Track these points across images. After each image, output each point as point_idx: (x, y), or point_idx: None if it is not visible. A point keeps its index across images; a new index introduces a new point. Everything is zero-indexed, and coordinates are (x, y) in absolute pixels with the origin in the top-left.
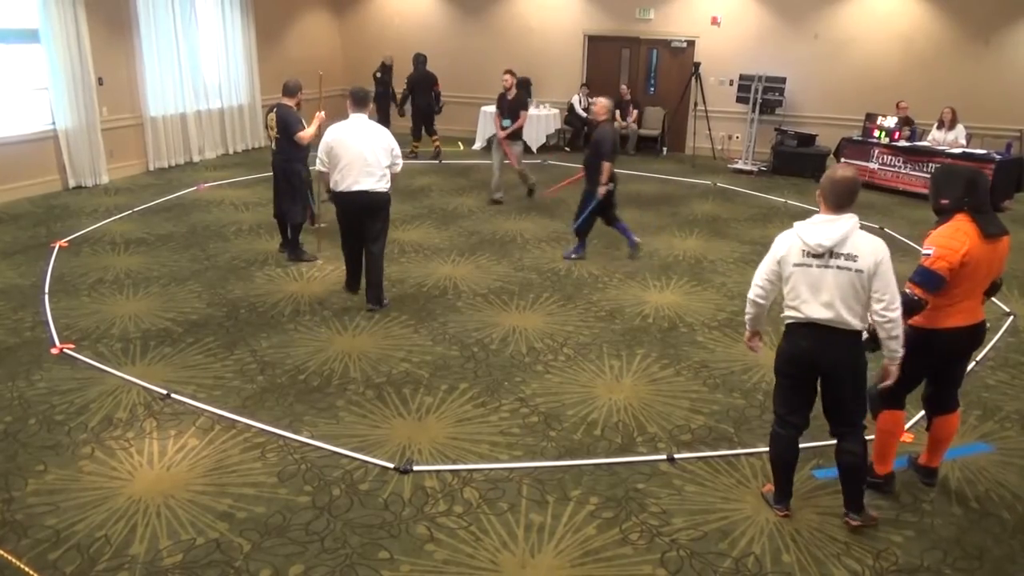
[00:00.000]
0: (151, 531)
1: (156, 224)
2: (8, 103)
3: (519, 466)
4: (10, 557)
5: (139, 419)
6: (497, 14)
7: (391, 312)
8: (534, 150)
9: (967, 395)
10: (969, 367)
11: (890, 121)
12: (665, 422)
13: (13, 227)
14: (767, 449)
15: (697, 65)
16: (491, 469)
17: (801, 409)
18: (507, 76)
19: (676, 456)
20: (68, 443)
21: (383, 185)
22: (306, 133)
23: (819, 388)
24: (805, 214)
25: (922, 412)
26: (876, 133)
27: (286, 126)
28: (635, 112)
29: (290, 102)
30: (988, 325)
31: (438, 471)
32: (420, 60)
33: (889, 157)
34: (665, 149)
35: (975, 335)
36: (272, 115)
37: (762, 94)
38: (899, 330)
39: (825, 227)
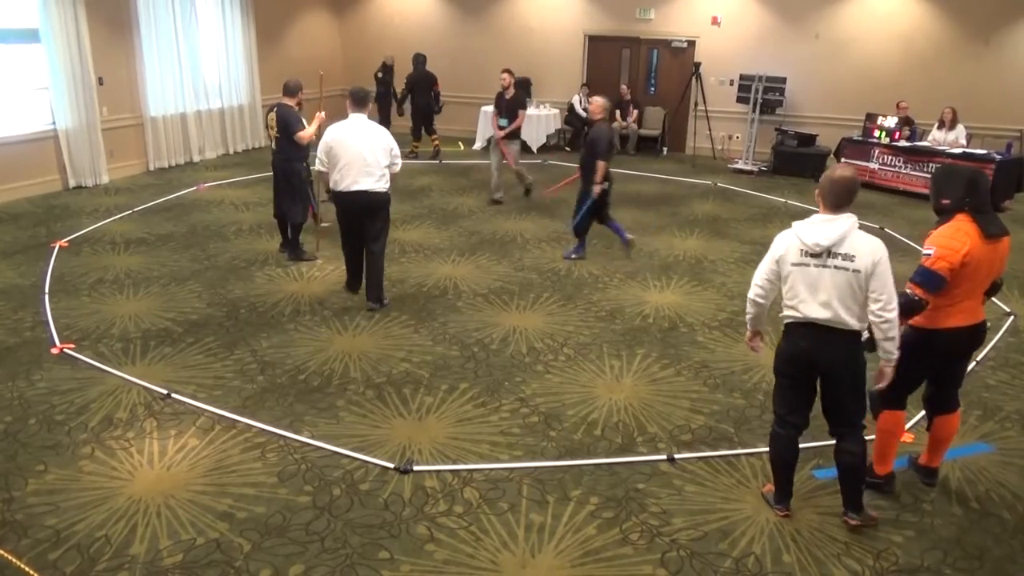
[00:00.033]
0: (151, 531)
1: (156, 224)
2: (8, 103)
3: (519, 466)
4: (10, 557)
5: (139, 419)
6: (497, 14)
7: (391, 312)
8: (534, 150)
9: (967, 395)
10: (969, 367)
11: (890, 121)
12: (665, 422)
13: (13, 227)
14: (767, 449)
15: (697, 65)
16: (491, 469)
17: (800, 409)
18: (505, 75)
19: (676, 456)
20: (68, 443)
21: (382, 185)
22: (306, 133)
23: (818, 388)
24: (805, 214)
25: (922, 412)
26: (876, 133)
27: (286, 126)
28: (635, 112)
29: (291, 102)
30: (988, 325)
31: (438, 471)
32: (419, 60)
33: (889, 157)
34: (665, 149)
35: (976, 335)
36: (272, 115)
37: (762, 94)
38: (895, 331)
39: (823, 227)
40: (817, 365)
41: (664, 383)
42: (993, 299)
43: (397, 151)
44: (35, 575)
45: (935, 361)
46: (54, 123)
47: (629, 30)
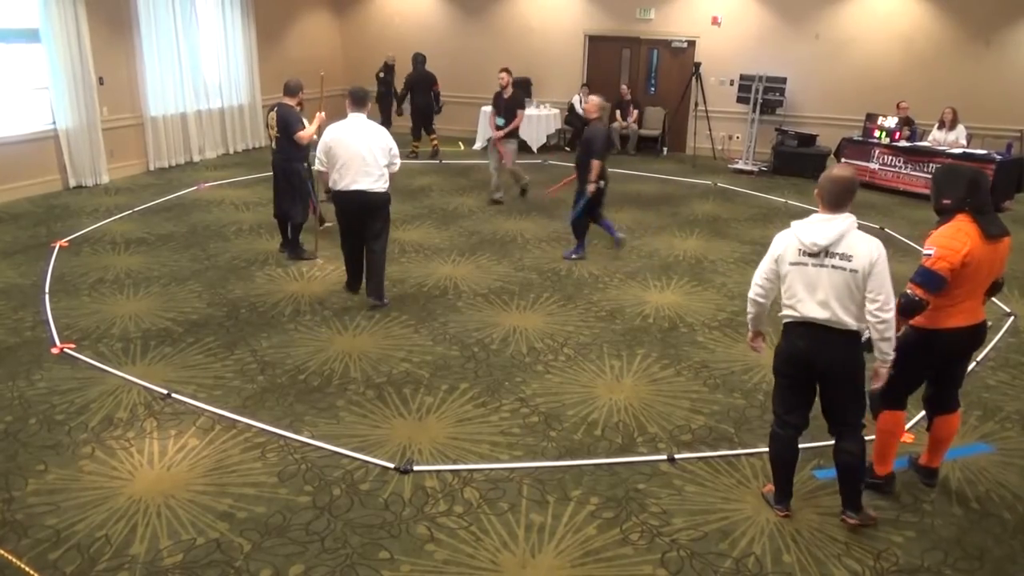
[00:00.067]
0: (151, 531)
1: (156, 224)
2: (8, 103)
3: (519, 466)
4: (10, 557)
5: (139, 419)
6: (497, 14)
7: (391, 312)
8: (534, 150)
9: (968, 395)
10: (970, 367)
11: (890, 121)
12: (665, 422)
13: (13, 227)
14: (767, 449)
15: (697, 65)
16: (491, 469)
17: (800, 409)
18: (503, 75)
19: (676, 456)
20: (68, 443)
21: (381, 185)
22: (306, 132)
23: (818, 388)
24: (805, 214)
25: (922, 412)
26: (876, 133)
27: (286, 125)
28: (635, 112)
29: (291, 102)
30: (989, 325)
31: (438, 471)
32: (419, 60)
33: (889, 157)
34: (665, 149)
35: (976, 335)
36: (273, 114)
37: (762, 94)
38: (891, 332)
39: (821, 226)
40: (815, 365)
41: (664, 383)
42: (993, 299)
43: (396, 151)
44: (35, 575)
45: (935, 361)
46: (54, 123)
47: (629, 30)
